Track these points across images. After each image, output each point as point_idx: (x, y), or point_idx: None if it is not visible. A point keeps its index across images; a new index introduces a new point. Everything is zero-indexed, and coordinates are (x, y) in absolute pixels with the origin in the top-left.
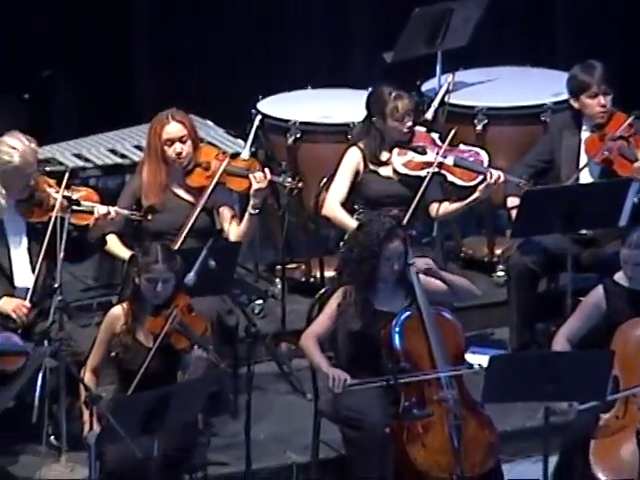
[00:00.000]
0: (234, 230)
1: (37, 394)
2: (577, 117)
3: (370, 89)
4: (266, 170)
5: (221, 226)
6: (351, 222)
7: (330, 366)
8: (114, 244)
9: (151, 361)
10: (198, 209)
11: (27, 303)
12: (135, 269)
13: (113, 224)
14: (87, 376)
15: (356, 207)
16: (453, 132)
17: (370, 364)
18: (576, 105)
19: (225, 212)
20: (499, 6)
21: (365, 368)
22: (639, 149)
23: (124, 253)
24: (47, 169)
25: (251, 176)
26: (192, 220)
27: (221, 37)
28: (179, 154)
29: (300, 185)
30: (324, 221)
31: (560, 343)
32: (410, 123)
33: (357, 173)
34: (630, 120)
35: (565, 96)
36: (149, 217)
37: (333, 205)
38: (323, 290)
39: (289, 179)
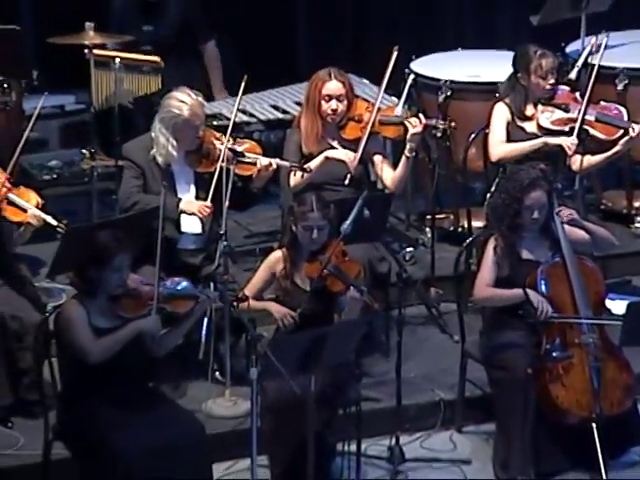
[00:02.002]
0: (389, 174)
1: (203, 333)
2: None
3: (515, 52)
4: (420, 115)
5: (376, 176)
6: (527, 145)
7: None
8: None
9: (309, 303)
10: (357, 158)
11: (209, 203)
12: (292, 218)
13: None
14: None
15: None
16: (600, 47)
17: (514, 310)
18: None
19: (380, 160)
20: None
21: (509, 314)
22: None
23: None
24: (214, 123)
25: (406, 122)
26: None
27: (377, 3)
28: (334, 111)
29: (453, 124)
30: (472, 174)
31: None
32: (553, 81)
33: (508, 124)
34: None
35: None
36: (307, 168)
37: (499, 145)
38: (470, 239)
39: (442, 121)
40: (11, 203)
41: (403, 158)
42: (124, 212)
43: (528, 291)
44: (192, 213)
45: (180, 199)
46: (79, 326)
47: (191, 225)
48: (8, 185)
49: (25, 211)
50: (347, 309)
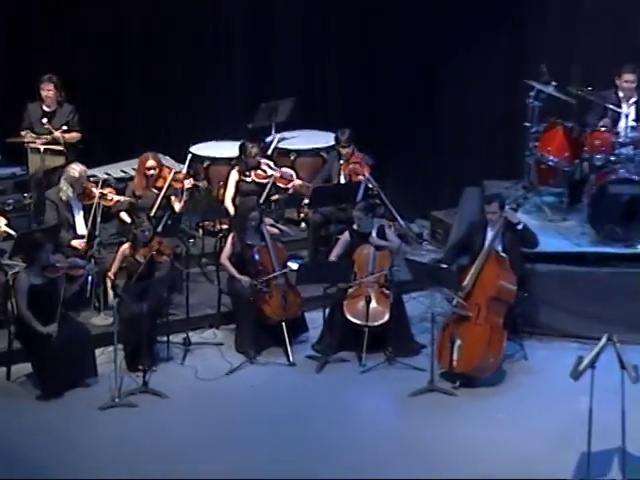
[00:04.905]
0: (177, 206)
1: (89, 284)
2: (339, 154)
3: (240, 142)
4: (190, 179)
5: (172, 205)
6: (230, 202)
7: (240, 275)
8: (125, 216)
9: (143, 268)
10: (161, 196)
11: (84, 241)
12: (133, 225)
13: (122, 204)
14: (111, 276)
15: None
16: (280, 138)
17: (246, 270)
18: (338, 149)
19: (174, 198)
20: (301, 104)
21: (244, 273)
22: (364, 168)
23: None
24: (91, 179)
25: (185, 181)
26: (159, 201)
27: (178, 117)
28: (151, 175)
29: (207, 186)
30: (224, 204)
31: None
32: (258, 158)
33: (237, 182)
34: (360, 156)
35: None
36: (139, 200)
37: (228, 200)
38: (221, 234)
39: (201, 183)
40: None
41: (184, 199)
42: (47, 225)
43: (235, 274)
44: (75, 246)
45: (70, 238)
46: (21, 297)
47: (82, 230)
48: None
49: None
50: (162, 270)
